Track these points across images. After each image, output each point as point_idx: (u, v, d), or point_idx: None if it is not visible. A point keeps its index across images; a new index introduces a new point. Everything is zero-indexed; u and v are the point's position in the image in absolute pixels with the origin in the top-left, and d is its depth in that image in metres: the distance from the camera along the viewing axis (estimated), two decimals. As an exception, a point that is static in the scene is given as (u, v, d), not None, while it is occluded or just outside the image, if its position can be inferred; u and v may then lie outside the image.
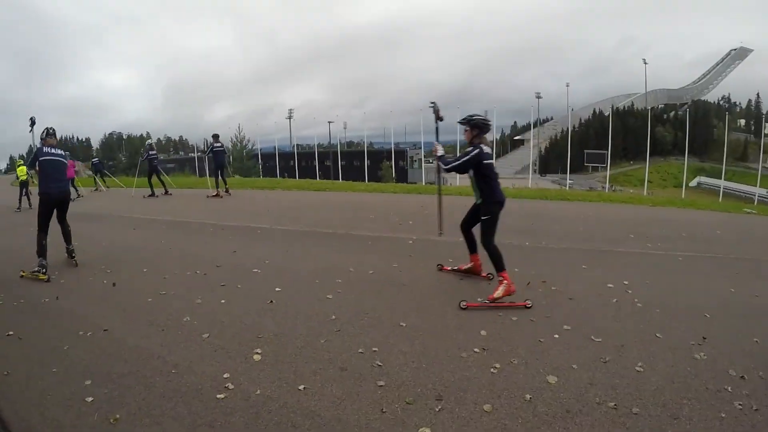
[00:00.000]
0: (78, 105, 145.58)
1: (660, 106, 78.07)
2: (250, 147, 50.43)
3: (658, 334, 3.86)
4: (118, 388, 3.18)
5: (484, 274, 5.17)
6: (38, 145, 6.56)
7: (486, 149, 4.85)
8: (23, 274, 6.14)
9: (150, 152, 16.39)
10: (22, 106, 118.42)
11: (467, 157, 4.75)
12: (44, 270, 6.09)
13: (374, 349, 3.60)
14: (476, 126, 4.88)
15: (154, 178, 16.02)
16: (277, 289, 5.05)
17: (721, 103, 79.76)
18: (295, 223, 8.71)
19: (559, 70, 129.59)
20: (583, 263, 6.04)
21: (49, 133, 6.59)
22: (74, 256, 6.72)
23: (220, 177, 15.06)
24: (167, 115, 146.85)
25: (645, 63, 76.54)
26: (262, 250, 6.87)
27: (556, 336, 3.82)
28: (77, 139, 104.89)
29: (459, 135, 34.19)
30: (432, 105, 5.30)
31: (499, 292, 4.54)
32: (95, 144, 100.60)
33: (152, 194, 15.66)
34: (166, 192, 16.12)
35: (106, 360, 3.62)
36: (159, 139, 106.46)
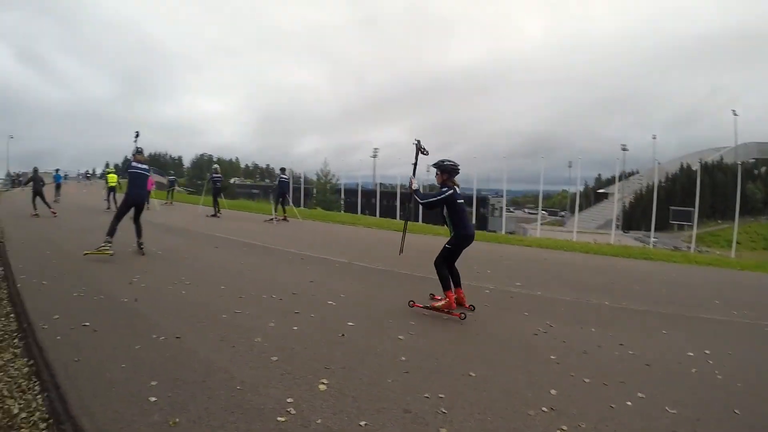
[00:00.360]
0: (175, 125, 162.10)
1: (750, 161, 71.12)
2: (334, 181, 51.72)
3: (736, 410, 3.47)
4: (182, 394, 3.18)
5: (467, 306, 5.72)
6: (130, 159, 8.49)
7: (458, 190, 5.60)
8: (87, 252, 6.89)
9: (214, 175, 17.89)
10: (123, 121, 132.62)
11: (442, 196, 5.48)
12: (110, 245, 7.37)
13: (440, 395, 3.39)
14: (446, 170, 5.59)
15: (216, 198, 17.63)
16: (349, 323, 4.95)
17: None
18: (373, 261, 8.66)
19: (645, 122, 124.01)
20: (664, 328, 5.54)
21: (138, 151, 8.45)
22: (142, 247, 8.33)
23: (280, 204, 16.58)
24: (257, 142, 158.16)
25: (735, 114, 71.66)
26: (338, 283, 6.84)
27: (629, 403, 3.47)
28: (170, 156, 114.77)
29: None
30: (416, 142, 5.90)
31: (439, 304, 5.52)
32: (186, 163, 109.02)
33: (215, 214, 16.91)
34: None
35: (174, 366, 3.67)
36: (247, 165, 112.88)
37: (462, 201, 5.63)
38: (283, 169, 17.59)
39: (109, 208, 16.90)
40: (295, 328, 4.71)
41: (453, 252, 5.61)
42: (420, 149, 5.88)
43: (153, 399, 3.08)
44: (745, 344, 5.20)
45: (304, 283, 6.70)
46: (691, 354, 4.66)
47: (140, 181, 8.36)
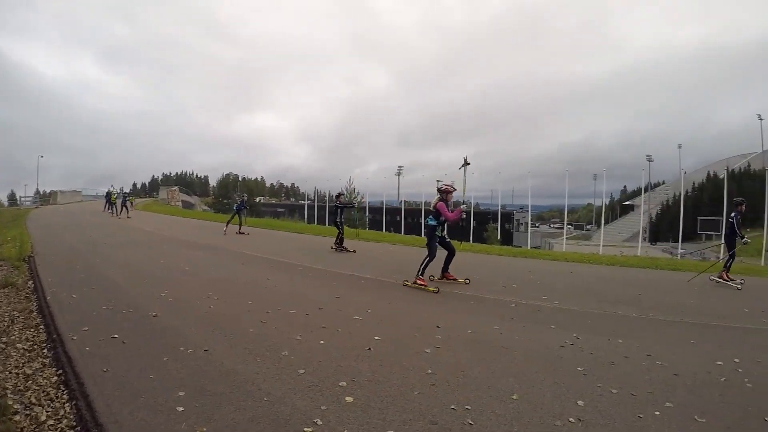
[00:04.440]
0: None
1: (779, 165, 68.59)
2: (359, 199, 52.06)
3: (767, 418, 3.39)
4: (209, 404, 3.27)
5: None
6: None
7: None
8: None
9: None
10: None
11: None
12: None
13: (467, 407, 3.41)
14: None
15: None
16: (376, 337, 4.99)
17: None
18: (398, 277, 8.66)
19: (671, 131, 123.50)
20: (692, 338, 5.44)
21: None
22: None
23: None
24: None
25: (760, 119, 68.27)
26: (365, 298, 6.89)
27: (657, 413, 3.42)
28: (196, 176, 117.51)
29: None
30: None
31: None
32: (212, 182, 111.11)
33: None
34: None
35: (201, 377, 3.78)
36: (272, 184, 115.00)
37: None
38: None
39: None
40: (322, 342, 4.78)
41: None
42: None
43: (180, 409, 3.17)
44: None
45: (330, 298, 6.78)
46: (720, 363, 4.58)
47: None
